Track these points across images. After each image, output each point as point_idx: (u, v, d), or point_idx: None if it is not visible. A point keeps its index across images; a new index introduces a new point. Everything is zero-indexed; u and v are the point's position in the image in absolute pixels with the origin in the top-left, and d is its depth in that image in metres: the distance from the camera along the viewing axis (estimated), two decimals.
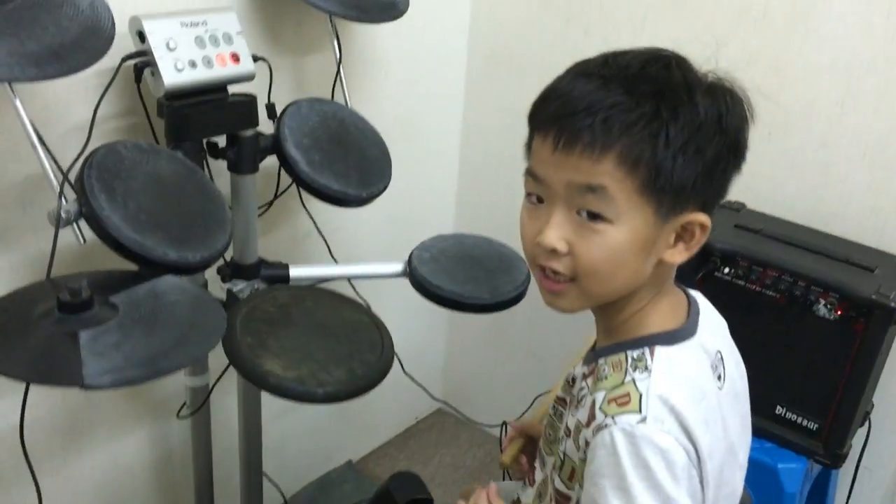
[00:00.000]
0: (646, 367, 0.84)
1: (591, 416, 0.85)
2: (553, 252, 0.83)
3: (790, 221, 1.55)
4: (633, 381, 0.84)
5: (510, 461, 1.17)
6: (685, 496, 0.80)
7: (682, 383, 0.84)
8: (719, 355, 0.92)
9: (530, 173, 0.86)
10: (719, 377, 0.91)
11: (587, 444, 0.85)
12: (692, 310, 0.92)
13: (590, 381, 0.91)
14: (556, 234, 0.82)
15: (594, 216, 0.81)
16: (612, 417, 0.81)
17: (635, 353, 0.86)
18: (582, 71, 0.83)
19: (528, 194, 0.87)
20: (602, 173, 0.79)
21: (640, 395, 0.82)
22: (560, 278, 0.85)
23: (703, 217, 0.84)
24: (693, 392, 0.84)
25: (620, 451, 0.80)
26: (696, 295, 0.97)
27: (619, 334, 0.91)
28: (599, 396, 0.85)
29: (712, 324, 0.96)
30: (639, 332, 0.89)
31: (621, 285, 0.86)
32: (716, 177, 0.83)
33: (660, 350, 0.86)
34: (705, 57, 0.86)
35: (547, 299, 0.89)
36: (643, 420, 0.80)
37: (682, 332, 0.89)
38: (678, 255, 0.86)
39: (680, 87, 0.80)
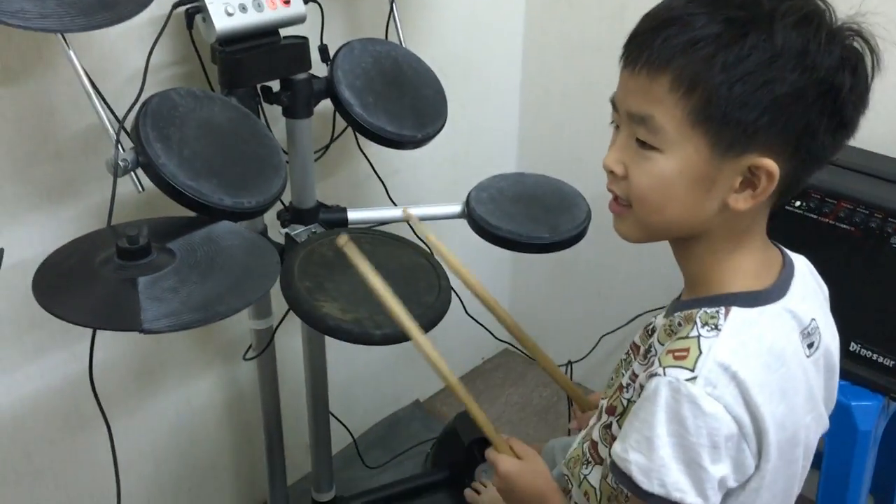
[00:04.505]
0: (716, 326, 0.81)
1: (651, 364, 0.84)
2: (613, 174, 0.85)
3: (864, 149, 1.46)
4: (699, 337, 0.81)
5: None
6: (725, 467, 0.79)
7: (753, 349, 0.81)
8: (814, 323, 0.88)
9: (612, 100, 0.86)
10: (810, 345, 0.87)
11: (642, 388, 0.84)
12: (784, 272, 0.88)
13: (662, 332, 0.89)
14: (615, 156, 0.84)
15: (646, 144, 0.80)
16: (664, 368, 0.80)
17: (710, 310, 0.83)
18: None
19: (612, 121, 0.88)
20: (654, 98, 0.78)
21: (699, 354, 0.79)
22: (621, 201, 0.86)
23: (768, 162, 0.77)
24: (768, 359, 0.81)
25: (659, 402, 0.78)
26: (798, 259, 0.92)
27: (699, 289, 0.88)
28: (665, 346, 0.84)
29: (809, 290, 0.91)
30: (718, 290, 0.86)
31: (675, 218, 0.83)
32: (793, 118, 0.76)
33: (736, 311, 0.82)
34: None
35: (613, 222, 0.90)
36: (693, 379, 0.78)
37: (766, 295, 0.85)
38: (742, 202, 0.80)
39: (760, 14, 0.75)
